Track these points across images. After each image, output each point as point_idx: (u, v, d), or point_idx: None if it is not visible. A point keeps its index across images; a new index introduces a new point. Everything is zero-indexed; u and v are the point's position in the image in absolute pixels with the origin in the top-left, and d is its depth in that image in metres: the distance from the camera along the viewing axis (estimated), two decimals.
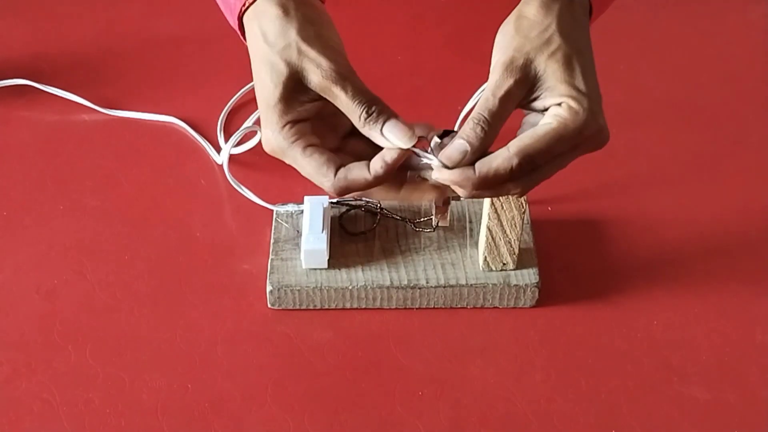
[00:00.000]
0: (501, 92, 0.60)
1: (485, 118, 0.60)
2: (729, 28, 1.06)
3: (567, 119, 0.59)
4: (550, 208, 0.83)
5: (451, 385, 0.70)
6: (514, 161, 0.59)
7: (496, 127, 0.60)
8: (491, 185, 0.60)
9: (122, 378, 0.70)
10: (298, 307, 0.75)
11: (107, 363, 0.71)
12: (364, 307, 0.75)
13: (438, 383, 0.70)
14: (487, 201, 0.71)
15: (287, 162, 0.63)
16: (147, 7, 1.08)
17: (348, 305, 0.75)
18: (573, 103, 0.59)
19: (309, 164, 0.62)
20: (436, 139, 0.69)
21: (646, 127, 0.93)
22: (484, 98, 0.61)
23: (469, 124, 0.61)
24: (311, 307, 0.75)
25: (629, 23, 1.07)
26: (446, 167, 0.61)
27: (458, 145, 0.61)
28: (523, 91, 0.61)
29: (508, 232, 0.72)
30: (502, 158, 0.59)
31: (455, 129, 0.70)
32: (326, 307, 0.75)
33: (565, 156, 0.61)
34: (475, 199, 0.80)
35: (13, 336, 0.73)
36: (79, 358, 0.72)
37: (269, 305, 0.75)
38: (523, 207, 0.70)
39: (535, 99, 0.61)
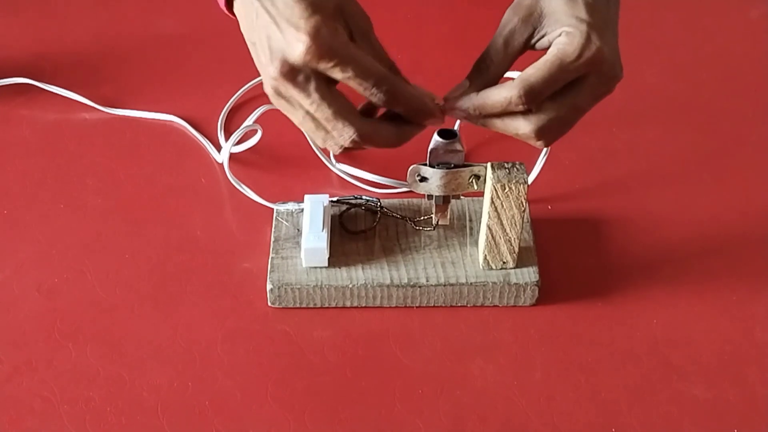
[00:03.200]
0: (505, 31, 0.63)
1: (489, 55, 0.63)
2: (730, 27, 1.06)
3: (565, 44, 0.61)
4: (550, 207, 0.84)
5: (451, 383, 0.70)
6: (514, 91, 0.61)
7: (499, 66, 0.63)
8: (496, 112, 0.62)
9: (123, 376, 0.70)
10: (298, 305, 0.75)
11: (108, 361, 0.71)
12: (364, 305, 0.75)
13: (438, 381, 0.70)
14: (487, 200, 0.71)
15: (327, 67, 0.58)
16: (147, 5, 1.08)
17: (348, 304, 0.75)
18: (570, 29, 0.61)
19: (364, 69, 0.59)
20: (436, 138, 0.69)
21: (646, 126, 0.93)
22: (492, 40, 0.63)
23: (474, 65, 0.63)
24: (311, 306, 0.75)
25: (630, 22, 1.07)
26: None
27: (460, 83, 0.64)
28: (529, 28, 0.63)
29: (508, 230, 0.72)
30: (504, 86, 0.61)
31: (455, 129, 0.70)
32: (326, 305, 0.75)
33: (576, 93, 0.62)
34: (475, 198, 0.80)
35: (14, 334, 0.73)
36: (80, 356, 0.72)
37: (269, 303, 0.75)
38: (523, 206, 0.70)
39: (542, 37, 0.63)
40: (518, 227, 0.72)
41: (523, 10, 0.63)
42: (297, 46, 0.58)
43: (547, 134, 0.63)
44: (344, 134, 0.61)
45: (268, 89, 0.62)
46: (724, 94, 0.97)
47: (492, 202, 0.70)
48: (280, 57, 0.59)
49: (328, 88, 0.60)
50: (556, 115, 0.62)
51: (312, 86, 0.59)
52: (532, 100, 0.61)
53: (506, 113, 0.63)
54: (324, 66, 0.58)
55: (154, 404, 0.69)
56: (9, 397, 0.69)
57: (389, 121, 0.64)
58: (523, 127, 0.63)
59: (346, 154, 0.88)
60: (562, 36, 0.61)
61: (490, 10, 1.07)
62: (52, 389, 0.70)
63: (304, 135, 0.87)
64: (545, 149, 0.84)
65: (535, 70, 0.61)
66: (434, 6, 1.09)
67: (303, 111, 0.62)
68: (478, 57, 0.64)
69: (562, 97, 0.62)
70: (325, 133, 0.62)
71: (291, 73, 0.59)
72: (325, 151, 0.87)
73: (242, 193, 0.82)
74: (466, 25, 1.06)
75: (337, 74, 0.59)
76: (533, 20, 0.63)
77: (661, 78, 0.99)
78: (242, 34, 0.64)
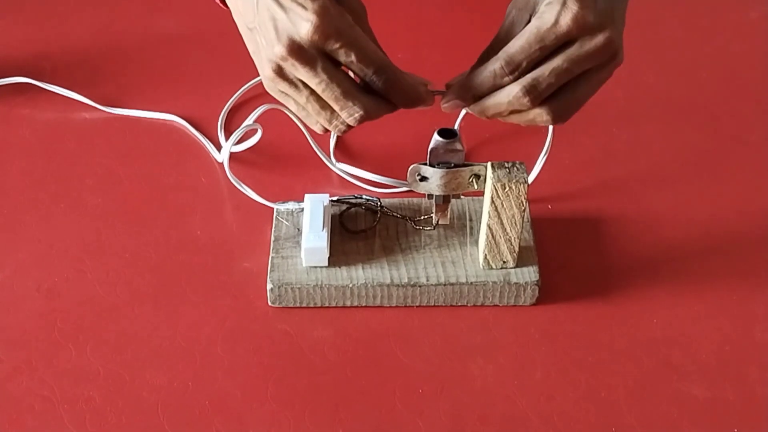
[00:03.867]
0: (506, 22, 0.65)
1: (492, 47, 0.65)
2: (730, 27, 1.06)
3: (543, 12, 0.62)
4: (550, 206, 0.84)
5: (451, 382, 0.70)
6: (496, 63, 0.62)
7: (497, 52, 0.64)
8: (485, 90, 0.64)
9: (123, 376, 0.70)
10: (298, 305, 0.75)
11: (108, 361, 0.71)
12: (364, 305, 0.75)
13: (438, 381, 0.70)
14: (487, 199, 0.71)
15: (334, 48, 0.60)
16: (148, 5, 1.08)
17: (348, 303, 0.75)
18: (551, 1, 0.62)
19: (366, 55, 0.60)
20: (437, 137, 0.69)
21: (646, 125, 0.93)
22: (496, 33, 0.66)
23: (478, 57, 0.66)
24: (311, 305, 0.75)
25: (629, 22, 1.07)
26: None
27: (462, 73, 0.66)
28: (525, 15, 0.64)
29: (508, 230, 0.72)
30: (488, 62, 0.63)
31: (455, 128, 0.70)
32: (326, 305, 0.75)
33: (564, 55, 0.62)
34: (476, 197, 0.80)
35: (14, 334, 0.73)
36: (80, 355, 0.72)
37: (270, 303, 0.75)
38: (523, 205, 0.70)
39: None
40: (518, 227, 0.72)
41: (520, 1, 0.65)
42: (304, 25, 0.58)
43: (536, 93, 0.62)
44: (353, 113, 0.62)
45: (268, 72, 0.62)
46: (724, 95, 0.97)
47: (492, 201, 0.70)
48: (287, 36, 0.59)
49: (334, 68, 0.61)
50: (541, 75, 0.62)
51: (319, 66, 0.60)
52: (515, 69, 0.62)
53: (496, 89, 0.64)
54: (330, 46, 0.59)
55: (154, 404, 0.69)
56: (9, 396, 0.69)
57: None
58: (510, 90, 0.63)
59: (345, 153, 0.88)
60: (543, 6, 0.62)
61: (490, 11, 1.08)
62: (52, 389, 0.70)
63: (304, 134, 0.87)
64: (545, 149, 0.84)
65: (515, 40, 0.62)
66: (434, 6, 1.09)
67: (307, 92, 0.62)
68: (483, 50, 0.66)
69: (549, 61, 0.62)
70: (331, 114, 0.63)
71: (299, 51, 0.59)
72: (325, 149, 0.87)
73: (242, 192, 0.82)
74: (466, 25, 1.06)
75: (341, 57, 0.60)
76: (529, 7, 0.64)
77: (661, 78, 0.99)
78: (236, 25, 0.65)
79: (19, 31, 1.04)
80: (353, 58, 0.60)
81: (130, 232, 0.81)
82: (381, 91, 0.62)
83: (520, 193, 0.70)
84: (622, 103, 0.95)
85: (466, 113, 0.88)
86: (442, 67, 0.99)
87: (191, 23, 1.05)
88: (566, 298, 0.76)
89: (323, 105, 0.63)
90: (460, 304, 0.75)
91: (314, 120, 0.65)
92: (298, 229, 0.78)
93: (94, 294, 0.76)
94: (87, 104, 0.94)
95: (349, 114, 0.62)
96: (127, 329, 0.74)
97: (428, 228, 0.78)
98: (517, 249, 0.73)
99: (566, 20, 0.61)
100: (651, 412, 0.68)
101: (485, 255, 0.74)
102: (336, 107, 0.62)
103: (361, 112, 0.62)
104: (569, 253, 0.79)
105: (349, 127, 0.64)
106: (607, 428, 0.68)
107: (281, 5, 0.59)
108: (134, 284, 0.77)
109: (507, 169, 0.70)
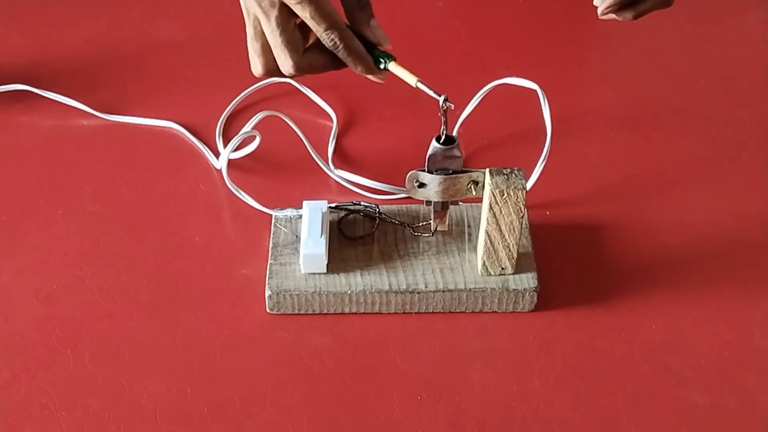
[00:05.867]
0: None
1: None
2: (728, 33, 1.07)
3: None
4: (548, 213, 0.84)
5: (450, 389, 0.70)
6: None
7: None
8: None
9: (121, 383, 0.70)
10: (296, 311, 0.75)
11: (106, 368, 0.71)
12: (362, 311, 0.75)
13: (437, 388, 0.70)
14: (485, 206, 0.71)
15: (292, 2, 0.65)
16: (146, 12, 1.08)
17: (347, 310, 0.75)
18: None
19: (321, 13, 0.66)
20: (435, 144, 0.69)
21: (644, 131, 0.93)
22: None
23: None
24: (310, 312, 0.75)
25: (627, 28, 1.07)
26: None
27: None
28: None
29: (506, 236, 0.72)
30: None
31: (454, 134, 0.70)
32: (325, 311, 0.75)
33: None
34: (474, 204, 0.80)
35: (12, 341, 0.73)
36: (78, 362, 0.72)
37: (268, 310, 0.75)
38: (521, 211, 0.70)
39: None
40: (517, 233, 0.72)
41: None
42: None
43: None
44: (285, 64, 0.68)
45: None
46: (722, 100, 0.97)
47: (490, 208, 0.70)
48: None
49: (288, 19, 0.66)
50: None
51: (274, 13, 0.66)
52: None
53: None
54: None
55: (153, 411, 0.69)
56: (7, 404, 0.69)
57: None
58: None
59: (344, 160, 0.88)
60: None
61: (489, 16, 1.08)
62: (50, 396, 0.69)
63: (302, 141, 0.87)
64: (543, 155, 0.84)
65: None
66: (433, 12, 1.09)
67: (259, 30, 0.68)
68: None
69: None
70: (266, 59, 0.69)
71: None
72: (323, 155, 0.87)
73: (241, 199, 0.82)
74: (465, 30, 1.06)
75: (297, 9, 0.66)
76: None
77: (659, 84, 0.99)
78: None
79: (17, 38, 1.04)
80: (308, 13, 0.65)
81: (128, 239, 0.81)
82: (330, 48, 0.68)
83: (519, 200, 0.70)
84: (621, 109, 0.95)
85: (465, 120, 0.89)
86: (440, 73, 0.99)
87: (189, 30, 1.05)
88: (565, 304, 0.76)
89: (264, 48, 0.68)
90: (458, 310, 0.75)
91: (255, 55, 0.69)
92: (297, 236, 0.78)
93: (93, 301, 0.76)
94: (85, 111, 0.94)
95: (282, 63, 0.68)
96: (126, 336, 0.73)
97: (426, 234, 0.78)
98: (515, 255, 0.73)
99: None
100: (650, 419, 0.68)
101: (484, 261, 0.74)
102: (274, 53, 0.68)
103: (291, 66, 0.67)
104: (568, 260, 0.79)
105: (282, 75, 0.69)
106: None
107: None
108: (132, 291, 0.77)
109: (505, 176, 0.70)
